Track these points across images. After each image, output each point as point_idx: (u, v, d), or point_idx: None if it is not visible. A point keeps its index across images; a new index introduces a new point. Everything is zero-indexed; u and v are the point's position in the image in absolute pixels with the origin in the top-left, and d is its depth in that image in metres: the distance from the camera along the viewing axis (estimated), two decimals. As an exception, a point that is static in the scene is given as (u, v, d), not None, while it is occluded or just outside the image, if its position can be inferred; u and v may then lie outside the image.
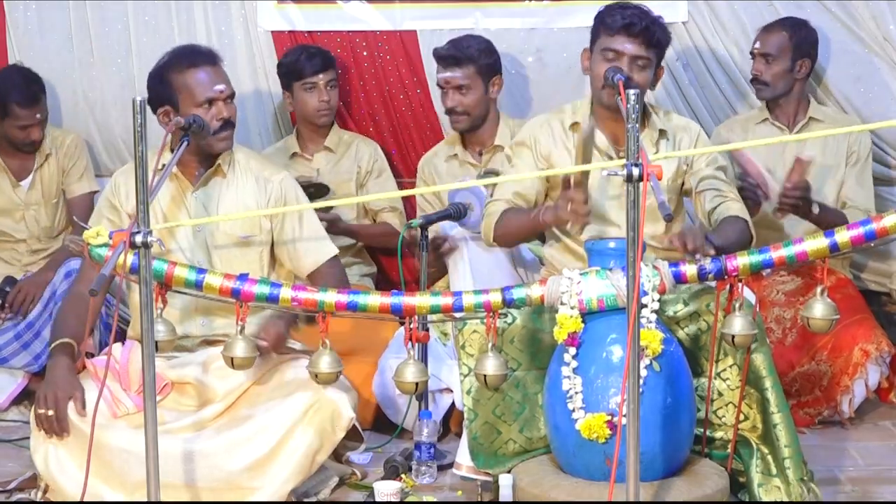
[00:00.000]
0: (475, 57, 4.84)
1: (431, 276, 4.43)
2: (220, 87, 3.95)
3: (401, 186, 5.25)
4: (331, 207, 4.84)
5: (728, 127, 5.00)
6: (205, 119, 3.88)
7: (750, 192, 4.45)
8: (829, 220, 4.42)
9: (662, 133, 4.06)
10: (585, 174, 3.72)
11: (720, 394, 3.69)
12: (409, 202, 5.26)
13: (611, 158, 3.98)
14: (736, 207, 3.97)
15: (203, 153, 3.97)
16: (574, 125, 4.06)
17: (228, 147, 3.99)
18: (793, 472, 3.55)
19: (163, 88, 3.97)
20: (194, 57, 4.02)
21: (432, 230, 4.32)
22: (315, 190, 4.80)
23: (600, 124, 4.00)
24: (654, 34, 3.93)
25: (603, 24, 3.97)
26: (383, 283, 5.24)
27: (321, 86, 5.10)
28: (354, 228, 5.11)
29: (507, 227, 4.05)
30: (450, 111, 4.89)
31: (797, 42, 4.84)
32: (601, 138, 4.00)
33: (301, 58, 5.11)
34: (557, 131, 4.09)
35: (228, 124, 3.95)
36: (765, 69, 4.85)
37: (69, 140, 5.17)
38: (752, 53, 4.92)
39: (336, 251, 4.06)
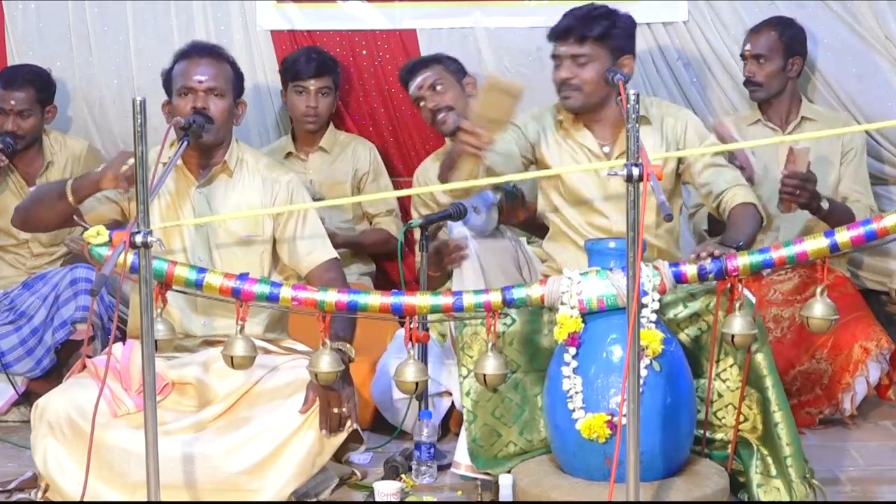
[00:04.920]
0: (440, 58, 4.85)
1: (434, 282, 4.39)
2: (200, 77, 3.92)
3: (399, 186, 5.23)
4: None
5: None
6: (184, 109, 3.85)
7: None
8: (837, 217, 4.42)
9: (643, 119, 4.04)
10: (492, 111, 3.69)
11: (720, 395, 3.68)
12: (407, 203, 5.24)
13: (596, 156, 4.05)
14: (742, 194, 3.99)
15: (202, 150, 3.96)
16: (559, 122, 4.11)
17: (212, 141, 3.92)
18: (795, 471, 3.54)
19: (166, 82, 4.01)
20: (190, 49, 4.04)
21: (439, 234, 4.30)
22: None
23: (590, 126, 4.08)
24: (577, 30, 3.97)
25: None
26: (383, 282, 5.23)
27: (311, 91, 5.09)
28: (353, 240, 5.07)
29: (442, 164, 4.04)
30: (432, 113, 4.78)
31: (787, 41, 4.84)
32: (589, 139, 4.08)
33: (300, 59, 5.10)
34: (548, 123, 4.14)
35: (202, 117, 3.86)
36: (757, 70, 4.85)
37: (85, 151, 5.13)
38: (742, 56, 4.91)
39: (336, 254, 4.03)
